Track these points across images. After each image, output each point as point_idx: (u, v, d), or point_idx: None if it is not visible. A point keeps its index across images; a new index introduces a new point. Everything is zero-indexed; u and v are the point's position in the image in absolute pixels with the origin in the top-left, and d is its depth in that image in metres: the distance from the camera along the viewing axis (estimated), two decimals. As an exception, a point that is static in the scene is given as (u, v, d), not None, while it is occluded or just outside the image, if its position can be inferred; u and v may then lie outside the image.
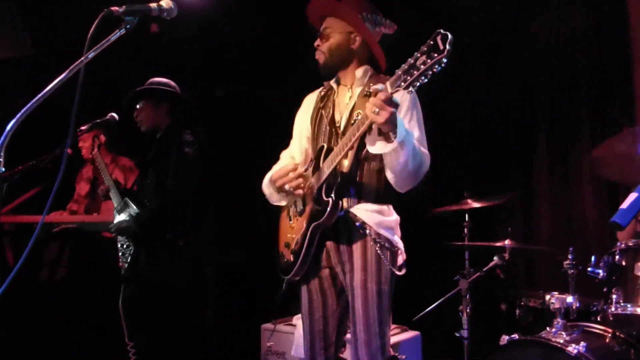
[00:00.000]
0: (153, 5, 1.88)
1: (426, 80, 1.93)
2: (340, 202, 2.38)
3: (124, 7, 1.78)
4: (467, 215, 3.76)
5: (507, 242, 3.46)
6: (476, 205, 3.66)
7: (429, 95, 2.45)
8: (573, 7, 4.13)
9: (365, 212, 2.42)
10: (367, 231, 2.40)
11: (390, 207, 2.50)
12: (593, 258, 2.81)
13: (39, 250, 4.29)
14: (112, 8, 1.77)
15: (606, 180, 3.87)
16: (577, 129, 4.09)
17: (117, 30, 1.77)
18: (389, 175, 2.34)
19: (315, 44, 2.58)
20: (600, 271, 2.76)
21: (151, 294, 3.42)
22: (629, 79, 3.84)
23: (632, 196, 1.36)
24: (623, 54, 3.86)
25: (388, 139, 2.16)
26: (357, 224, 2.41)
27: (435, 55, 1.88)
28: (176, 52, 4.69)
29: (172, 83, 3.66)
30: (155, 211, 3.39)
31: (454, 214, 3.80)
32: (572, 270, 2.94)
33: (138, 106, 3.60)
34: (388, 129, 2.13)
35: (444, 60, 1.87)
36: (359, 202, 2.43)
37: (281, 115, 3.04)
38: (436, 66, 1.89)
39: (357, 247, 2.41)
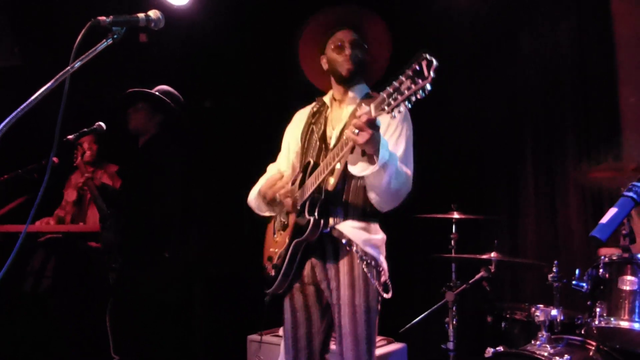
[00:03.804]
0: (140, 15, 1.87)
1: (410, 105, 1.92)
2: (324, 220, 2.38)
3: (111, 17, 1.78)
4: (454, 228, 3.78)
5: (493, 254, 3.46)
6: (462, 216, 3.69)
7: (418, 107, 2.46)
8: (559, 24, 4.18)
9: (351, 229, 2.42)
10: (354, 248, 2.39)
11: (377, 225, 2.50)
12: (577, 271, 2.83)
13: (24, 260, 4.25)
14: (99, 18, 1.76)
15: (591, 193, 3.91)
16: (562, 144, 4.12)
17: (104, 41, 1.77)
18: (371, 195, 2.35)
19: (349, 52, 2.51)
20: (585, 284, 2.78)
21: (137, 306, 3.40)
22: (613, 95, 3.88)
23: (612, 211, 1.37)
24: (608, 71, 3.90)
25: (371, 160, 2.17)
26: (344, 241, 2.41)
27: (420, 81, 1.86)
28: (165, 63, 4.69)
29: (177, 96, 3.65)
30: (138, 222, 3.38)
31: (441, 226, 3.81)
32: (556, 283, 2.96)
33: (135, 106, 3.59)
34: (370, 151, 2.14)
35: (428, 87, 1.85)
36: (345, 219, 2.43)
37: (270, 126, 3.05)
38: (420, 92, 1.88)
39: (343, 264, 2.40)
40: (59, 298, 4.20)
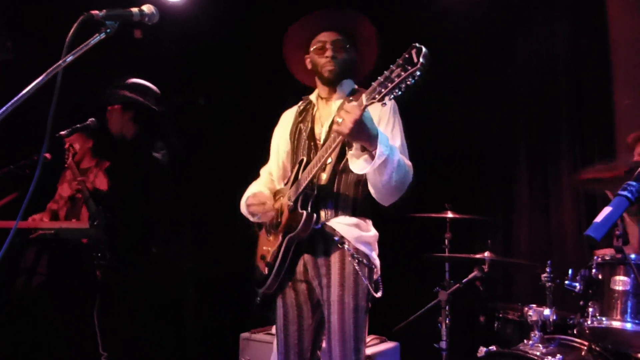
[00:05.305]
0: (134, 10, 1.84)
1: (400, 92, 1.93)
2: (316, 214, 2.36)
3: (104, 11, 1.76)
4: (447, 227, 3.78)
5: (486, 254, 3.47)
6: (456, 216, 3.69)
7: (414, 107, 2.46)
8: (555, 28, 4.19)
9: (343, 226, 2.40)
10: (346, 246, 2.37)
11: (369, 221, 2.48)
12: (570, 271, 2.84)
13: (15, 257, 4.22)
14: (92, 12, 1.73)
15: (585, 194, 3.92)
16: (557, 144, 4.13)
17: (97, 35, 1.74)
18: (372, 190, 2.31)
19: (331, 54, 2.50)
20: (577, 284, 2.79)
21: (126, 304, 3.38)
22: (608, 96, 3.89)
23: (607, 210, 1.36)
24: (603, 73, 3.92)
25: (372, 156, 2.14)
26: (336, 237, 2.39)
27: (409, 68, 1.88)
28: (160, 59, 4.66)
29: (148, 87, 3.58)
30: (127, 219, 3.35)
31: (435, 225, 3.81)
32: (549, 284, 2.97)
33: (108, 110, 3.56)
34: (365, 143, 2.12)
35: (417, 73, 1.87)
36: (336, 215, 2.41)
37: (266, 124, 3.03)
38: (410, 79, 1.89)
39: (334, 261, 2.38)
40: (52, 295, 4.17)
